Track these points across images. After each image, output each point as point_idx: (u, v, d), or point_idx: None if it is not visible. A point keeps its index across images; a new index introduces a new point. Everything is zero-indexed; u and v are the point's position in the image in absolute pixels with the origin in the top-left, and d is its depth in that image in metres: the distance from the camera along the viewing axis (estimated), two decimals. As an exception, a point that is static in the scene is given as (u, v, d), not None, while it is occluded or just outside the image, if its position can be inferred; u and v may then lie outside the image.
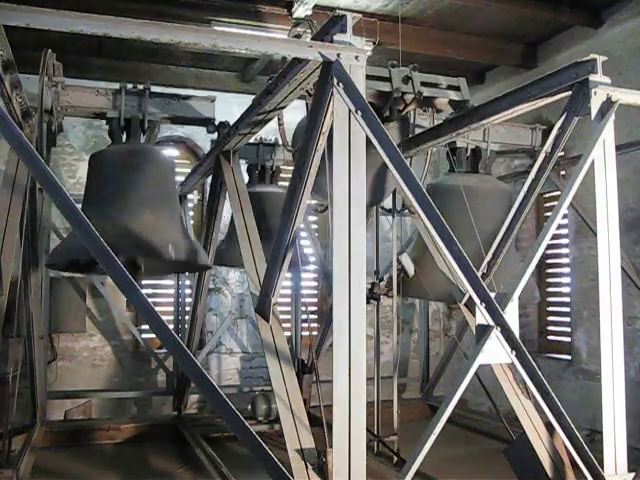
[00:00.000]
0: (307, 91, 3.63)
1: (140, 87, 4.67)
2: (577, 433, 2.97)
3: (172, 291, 7.46)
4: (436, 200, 4.75)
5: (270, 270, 3.54)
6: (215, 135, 5.09)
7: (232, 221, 5.85)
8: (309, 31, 4.30)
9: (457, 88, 4.37)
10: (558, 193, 5.82)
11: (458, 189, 4.75)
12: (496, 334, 2.84)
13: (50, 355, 6.68)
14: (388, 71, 4.13)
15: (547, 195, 7.04)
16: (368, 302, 5.07)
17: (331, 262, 2.76)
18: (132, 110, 4.61)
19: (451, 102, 4.37)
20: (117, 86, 4.61)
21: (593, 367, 6.11)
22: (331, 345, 3.02)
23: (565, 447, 3.06)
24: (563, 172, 5.94)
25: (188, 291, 7.11)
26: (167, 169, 4.68)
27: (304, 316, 6.80)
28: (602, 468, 3.05)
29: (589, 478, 3.02)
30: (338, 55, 2.82)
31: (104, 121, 4.73)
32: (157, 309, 2.60)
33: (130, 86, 4.64)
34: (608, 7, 6.13)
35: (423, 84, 4.19)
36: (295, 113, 4.73)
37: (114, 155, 4.57)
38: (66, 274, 6.70)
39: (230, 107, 5.75)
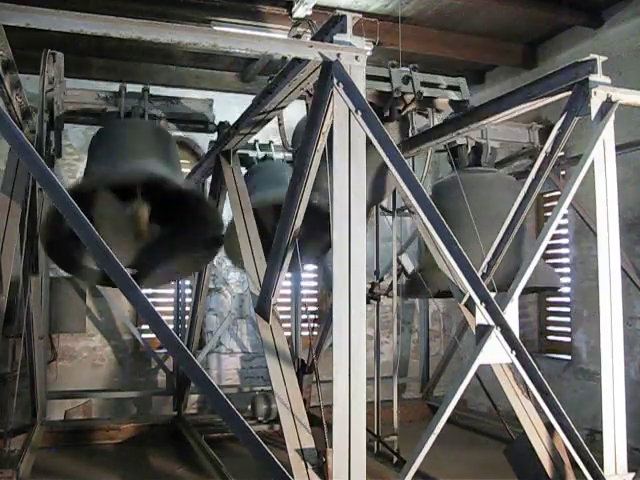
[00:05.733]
0: (307, 91, 3.63)
1: (140, 87, 4.68)
2: (577, 433, 2.97)
3: (172, 291, 7.46)
4: (449, 196, 4.79)
5: (270, 270, 3.55)
6: (215, 135, 5.09)
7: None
8: (309, 31, 4.30)
9: (457, 88, 4.38)
10: (558, 193, 5.81)
11: (471, 182, 4.79)
12: (496, 334, 2.84)
13: (50, 355, 6.68)
14: (388, 71, 4.13)
15: (547, 195, 7.04)
16: (368, 302, 5.07)
17: (331, 262, 2.76)
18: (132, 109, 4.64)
19: (451, 102, 4.37)
20: (117, 86, 4.62)
21: (593, 367, 6.11)
22: (331, 345, 3.02)
23: (565, 447, 3.06)
24: (563, 172, 5.94)
25: (188, 291, 7.11)
26: (171, 142, 4.75)
27: (304, 316, 6.80)
28: (602, 468, 3.05)
29: (589, 478, 3.02)
30: (338, 55, 2.82)
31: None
32: (157, 309, 2.60)
33: (130, 86, 4.65)
34: (608, 7, 6.13)
35: (423, 84, 4.20)
36: (296, 113, 4.74)
37: (121, 124, 4.72)
38: (66, 274, 6.70)
39: (230, 107, 5.75)
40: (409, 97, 4.14)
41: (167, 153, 4.54)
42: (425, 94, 4.18)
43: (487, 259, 4.05)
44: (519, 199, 3.86)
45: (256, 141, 6.09)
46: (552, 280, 5.43)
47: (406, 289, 5.73)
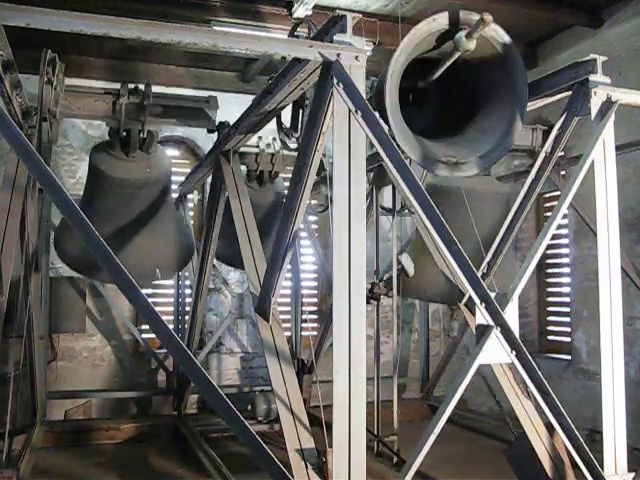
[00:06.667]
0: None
1: (141, 87, 4.65)
2: (577, 433, 2.97)
3: (172, 291, 7.46)
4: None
5: (270, 270, 3.55)
6: (215, 135, 5.09)
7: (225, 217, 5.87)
8: (309, 31, 4.29)
9: None
10: (558, 193, 5.81)
11: (457, 190, 4.74)
12: (496, 334, 2.85)
13: (50, 355, 6.68)
14: None
15: (547, 195, 7.04)
16: (368, 302, 5.07)
17: (331, 262, 2.76)
18: (132, 121, 4.61)
19: None
20: (117, 86, 4.59)
21: (593, 367, 6.11)
22: (331, 345, 3.02)
23: (565, 447, 3.07)
24: (563, 172, 5.94)
25: (188, 291, 7.10)
26: (164, 181, 4.75)
27: (304, 316, 6.80)
28: (602, 468, 3.05)
29: (589, 478, 3.02)
30: (338, 55, 2.82)
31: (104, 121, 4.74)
32: (157, 309, 2.60)
33: (132, 86, 4.62)
34: (608, 7, 6.13)
35: None
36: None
37: (110, 176, 4.68)
38: (66, 274, 6.71)
39: (230, 107, 5.75)
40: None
41: (160, 205, 4.58)
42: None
43: (487, 259, 4.06)
44: (519, 199, 3.86)
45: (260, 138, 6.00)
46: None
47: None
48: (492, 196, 5.18)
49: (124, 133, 4.70)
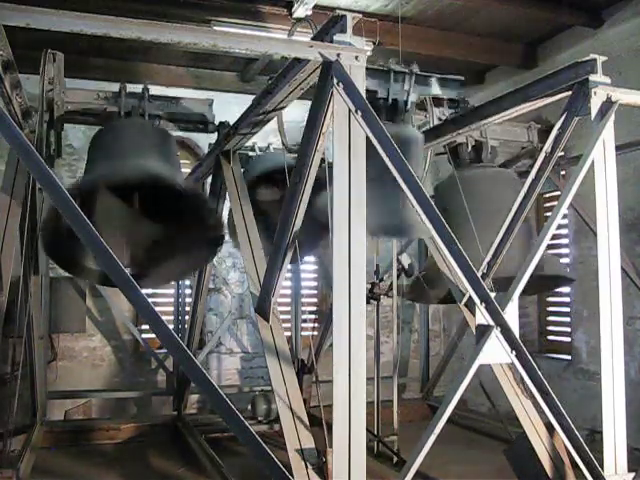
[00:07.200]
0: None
1: (140, 87, 4.67)
2: (577, 433, 2.97)
3: (172, 291, 7.46)
4: (456, 193, 4.79)
5: (270, 270, 3.55)
6: (215, 135, 5.09)
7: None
8: (309, 31, 4.30)
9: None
10: (558, 193, 5.81)
11: (475, 178, 4.77)
12: (496, 334, 2.85)
13: (50, 355, 6.68)
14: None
15: (547, 195, 7.04)
16: (368, 302, 5.07)
17: (331, 262, 2.76)
18: (133, 108, 4.62)
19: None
20: (117, 86, 4.61)
21: (593, 367, 6.11)
22: (331, 345, 3.02)
23: (565, 447, 3.06)
24: (563, 172, 5.94)
25: (188, 291, 7.10)
26: (170, 140, 4.74)
27: (304, 316, 6.80)
28: (602, 468, 3.05)
29: (589, 478, 3.02)
30: (338, 55, 2.82)
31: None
32: (157, 309, 2.60)
33: (130, 86, 4.64)
34: (608, 7, 6.13)
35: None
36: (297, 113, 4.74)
37: (121, 124, 4.67)
38: (66, 274, 6.71)
39: (230, 107, 5.74)
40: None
41: (167, 152, 4.51)
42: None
43: (487, 259, 4.06)
44: (519, 199, 3.86)
45: (255, 143, 6.08)
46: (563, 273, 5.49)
47: (410, 293, 5.73)
48: (505, 177, 5.23)
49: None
